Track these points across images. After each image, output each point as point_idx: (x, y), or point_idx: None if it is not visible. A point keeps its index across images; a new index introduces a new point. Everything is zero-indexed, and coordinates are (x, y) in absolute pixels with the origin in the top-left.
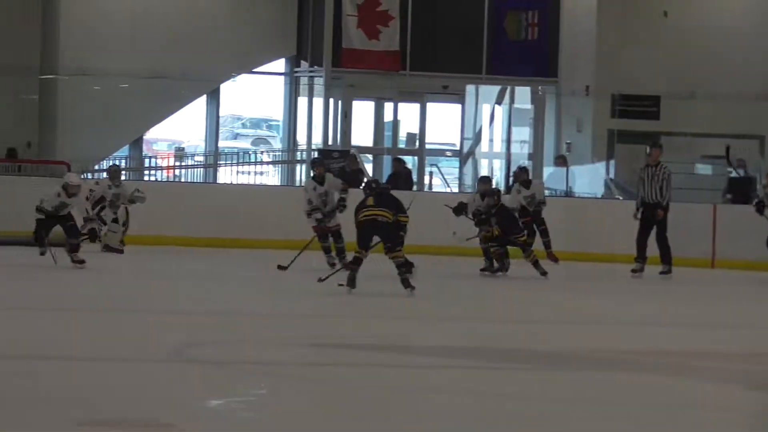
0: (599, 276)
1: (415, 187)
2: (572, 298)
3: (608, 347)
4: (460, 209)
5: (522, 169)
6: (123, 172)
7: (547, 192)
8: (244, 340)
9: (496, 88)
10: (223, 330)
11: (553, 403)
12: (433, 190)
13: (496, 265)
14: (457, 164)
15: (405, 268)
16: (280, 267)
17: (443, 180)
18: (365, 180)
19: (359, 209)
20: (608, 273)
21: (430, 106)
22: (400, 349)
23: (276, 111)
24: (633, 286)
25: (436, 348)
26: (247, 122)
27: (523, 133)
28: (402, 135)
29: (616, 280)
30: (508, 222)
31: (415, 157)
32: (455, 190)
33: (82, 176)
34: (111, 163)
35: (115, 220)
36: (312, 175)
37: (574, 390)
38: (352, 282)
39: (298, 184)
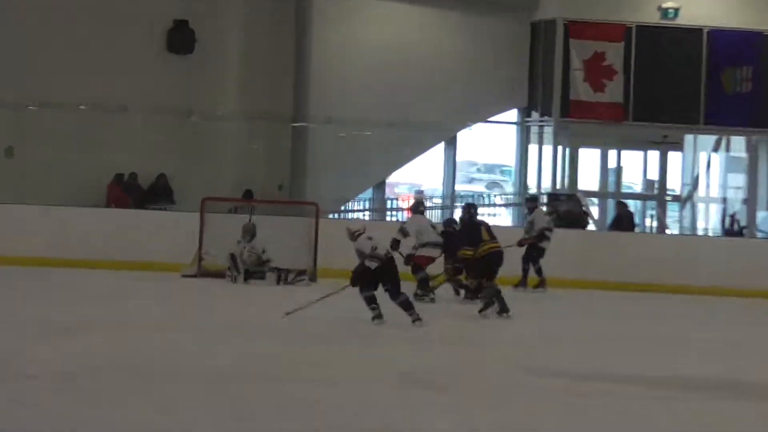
0: None
1: (637, 229)
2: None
3: None
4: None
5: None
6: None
7: (759, 234)
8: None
9: (713, 138)
10: (442, 357)
11: None
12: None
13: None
14: (677, 208)
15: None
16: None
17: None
18: (590, 221)
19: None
20: None
21: (651, 153)
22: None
23: (508, 157)
24: None
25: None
26: (481, 167)
27: (738, 180)
28: (626, 180)
29: None
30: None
31: (638, 201)
32: (675, 232)
33: (330, 216)
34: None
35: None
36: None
37: None
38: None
39: None
